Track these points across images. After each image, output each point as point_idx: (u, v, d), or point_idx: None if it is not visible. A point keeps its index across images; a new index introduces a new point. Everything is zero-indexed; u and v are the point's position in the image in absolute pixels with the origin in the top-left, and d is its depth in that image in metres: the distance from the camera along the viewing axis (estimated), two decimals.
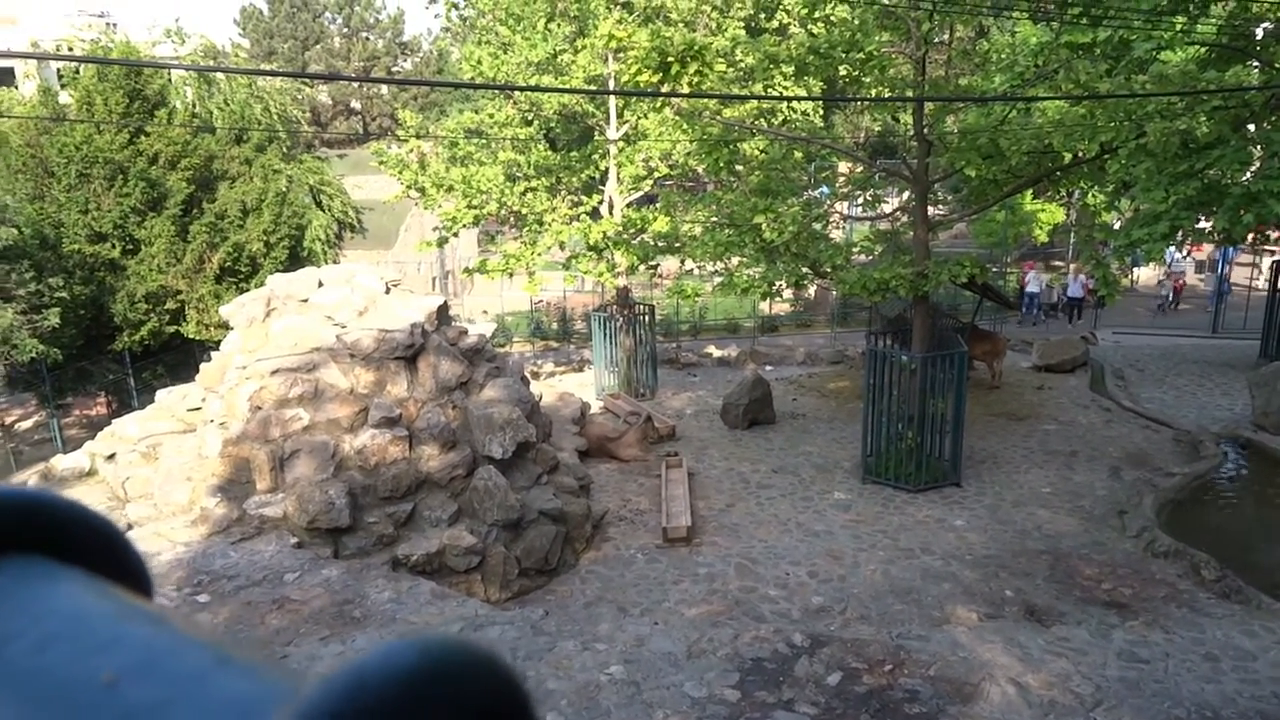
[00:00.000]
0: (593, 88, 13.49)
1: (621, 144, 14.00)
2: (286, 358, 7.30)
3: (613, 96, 13.93)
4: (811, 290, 23.64)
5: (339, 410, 7.14)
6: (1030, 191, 20.41)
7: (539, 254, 13.35)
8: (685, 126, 11.41)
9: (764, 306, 24.22)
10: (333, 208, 26.16)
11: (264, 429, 6.99)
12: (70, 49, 20.61)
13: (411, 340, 7.49)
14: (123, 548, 0.33)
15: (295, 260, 17.67)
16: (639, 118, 14.03)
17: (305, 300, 7.89)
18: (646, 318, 15.18)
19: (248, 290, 11.97)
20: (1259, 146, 7.88)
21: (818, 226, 9.98)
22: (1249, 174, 8.08)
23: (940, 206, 13.52)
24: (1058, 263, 26.60)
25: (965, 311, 19.39)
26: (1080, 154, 8.52)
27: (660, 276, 22.04)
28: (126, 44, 17.88)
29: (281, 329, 7.56)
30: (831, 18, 9.73)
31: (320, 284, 8.09)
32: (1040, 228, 24.10)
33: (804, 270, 9.15)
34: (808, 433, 12.08)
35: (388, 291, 8.26)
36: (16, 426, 14.21)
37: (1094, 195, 13.39)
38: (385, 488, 6.96)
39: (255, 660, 0.26)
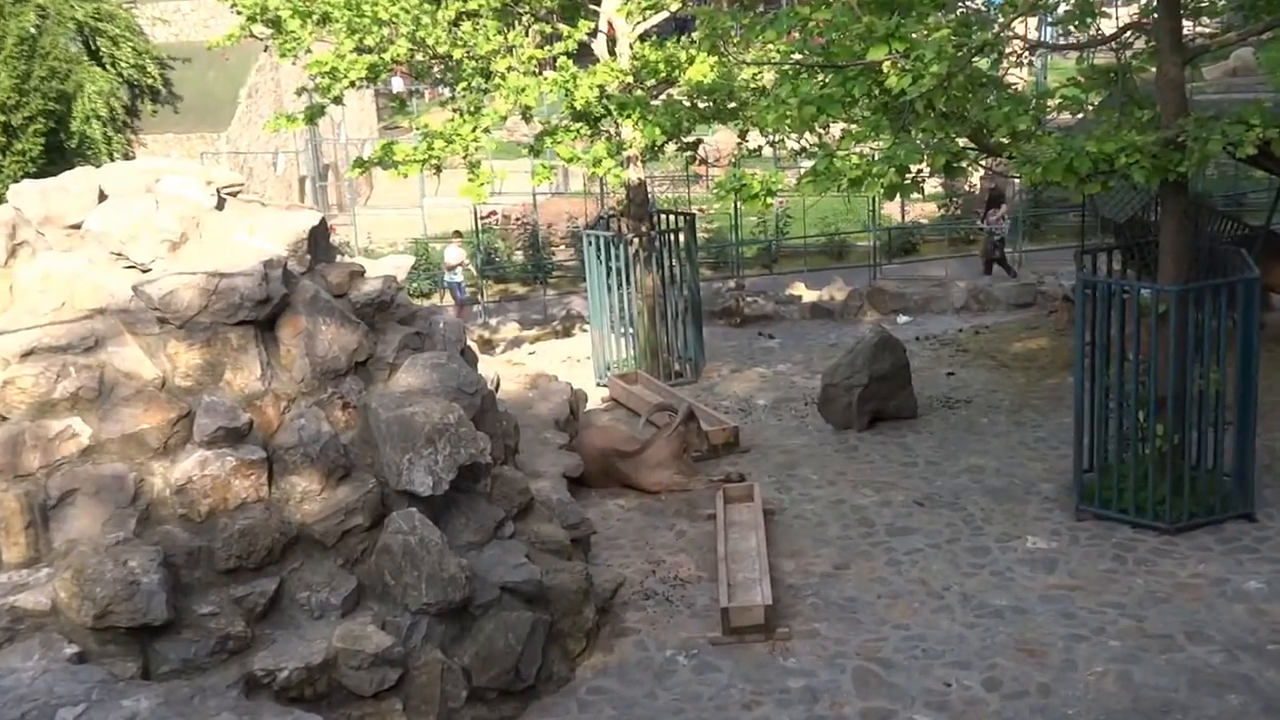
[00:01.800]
0: None
1: None
2: (48, 328, 7.27)
3: None
4: (975, 179, 23.60)
5: (142, 418, 7.10)
6: None
7: (485, 129, 13.32)
8: None
9: (891, 210, 24.43)
10: (121, 61, 26.11)
11: (12, 455, 7.00)
12: None
13: (266, 291, 7.48)
14: None
15: (57, 156, 17.75)
16: None
17: (77, 226, 7.86)
18: (682, 238, 15.36)
19: None
20: None
21: (983, 64, 9.90)
22: None
23: (1204, 22, 13.28)
24: None
25: (1255, 209, 19.14)
26: None
27: (704, 163, 22.00)
28: None
29: (38, 277, 7.55)
30: None
31: (103, 196, 8.06)
32: None
33: (960, 144, 9.07)
34: (975, 432, 12.18)
35: (221, 206, 8.23)
36: None
37: None
38: (229, 552, 6.98)
39: None
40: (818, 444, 12.12)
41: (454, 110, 13.92)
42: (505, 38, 13.53)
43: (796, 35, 10.23)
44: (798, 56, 10.13)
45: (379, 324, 8.30)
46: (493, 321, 20.61)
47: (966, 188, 25.37)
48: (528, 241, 25.24)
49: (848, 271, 22.01)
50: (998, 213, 21.16)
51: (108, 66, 25.53)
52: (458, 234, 22.39)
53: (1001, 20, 9.61)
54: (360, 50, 13.24)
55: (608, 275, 15.01)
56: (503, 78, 13.31)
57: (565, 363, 16.72)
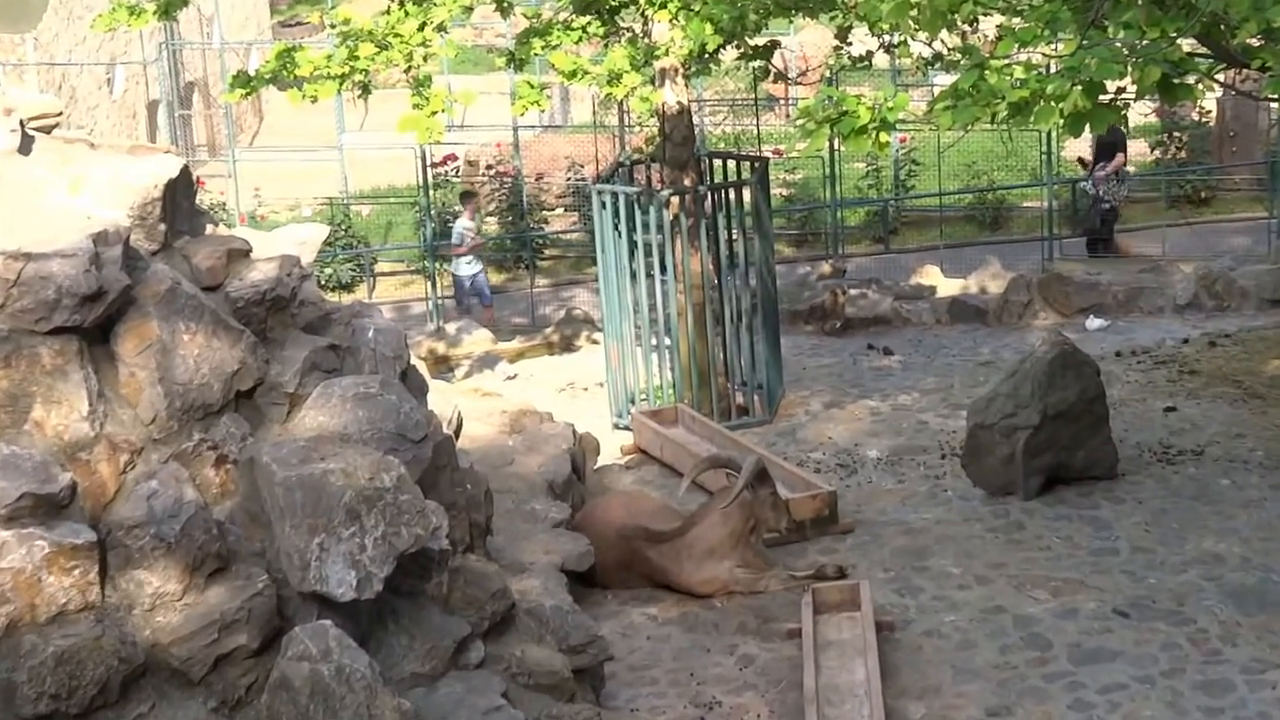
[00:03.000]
0: None
1: None
2: None
3: None
4: (1209, 105, 23.37)
5: None
6: None
7: (439, 26, 13.34)
8: None
9: (1075, 152, 24.37)
10: None
11: None
12: None
13: (96, 282, 7.47)
14: None
15: None
16: None
17: None
18: (748, 197, 15.45)
19: None
20: None
21: None
22: None
23: None
24: None
25: None
26: None
27: (783, 79, 21.91)
28: None
29: None
30: None
31: None
32: None
33: (1181, 50, 9.03)
34: (1210, 500, 12.12)
35: (26, 148, 8.25)
36: None
37: None
38: (39, 689, 6.90)
39: None
40: (961, 519, 12.01)
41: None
42: None
43: None
44: None
45: (274, 332, 8.28)
46: (450, 327, 20.60)
47: (1196, 116, 25.25)
48: (505, 203, 25.31)
49: (1008, 249, 21.90)
50: (1109, 167, 21.13)
51: None
52: (469, 195, 22.29)
53: None
54: None
55: (631, 255, 15.01)
56: None
57: (565, 392, 16.67)
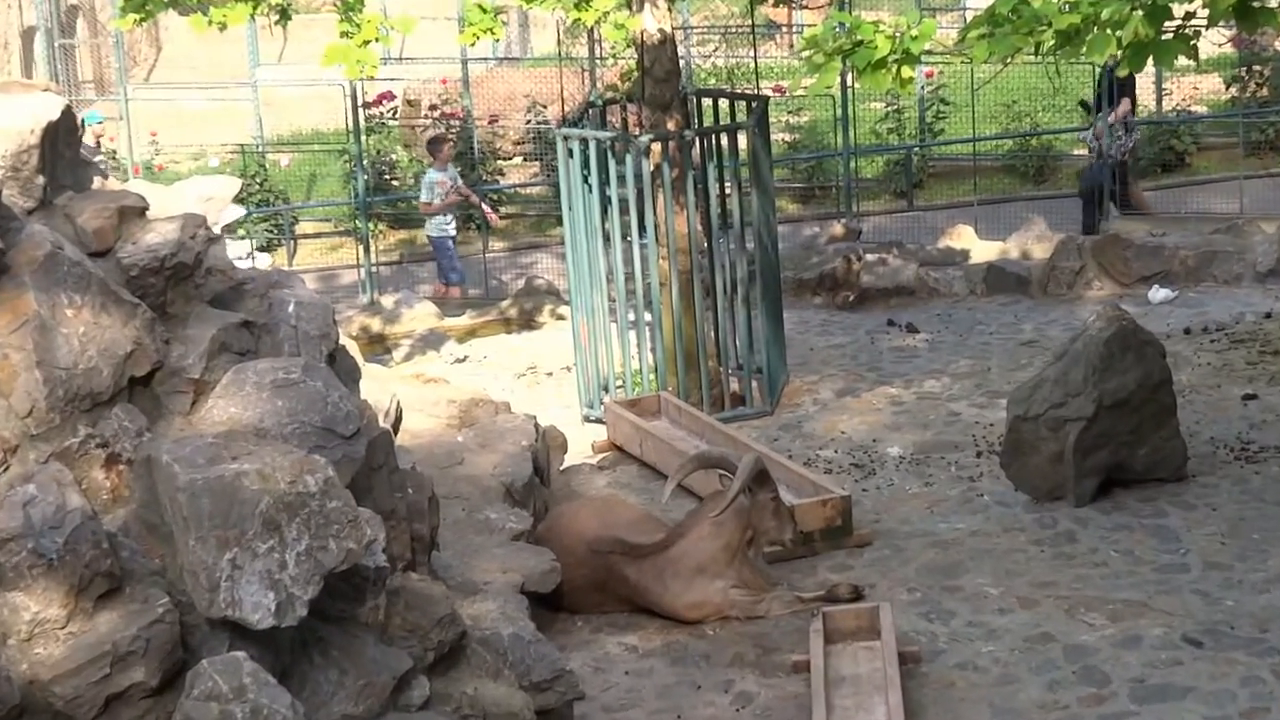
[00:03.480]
0: None
1: None
2: None
3: None
4: None
5: None
6: None
7: None
8: None
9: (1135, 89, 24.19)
10: None
11: None
12: None
13: None
14: None
15: None
16: None
17: None
18: (743, 143, 15.47)
19: None
20: None
21: None
22: None
23: None
24: None
25: None
26: None
27: (785, 1, 21.91)
28: None
29: None
30: None
31: None
32: None
33: None
34: None
35: None
36: None
37: None
38: None
39: None
40: (1000, 529, 12.05)
41: None
42: None
43: None
44: None
45: (175, 307, 8.27)
46: (387, 300, 20.58)
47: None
48: (453, 150, 25.27)
49: (1055, 206, 21.92)
50: (1114, 114, 21.13)
51: None
52: (439, 141, 22.15)
53: None
54: None
55: (604, 214, 15.02)
56: None
57: (525, 378, 16.69)
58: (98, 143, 22.99)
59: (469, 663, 8.49)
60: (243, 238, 21.78)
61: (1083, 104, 23.00)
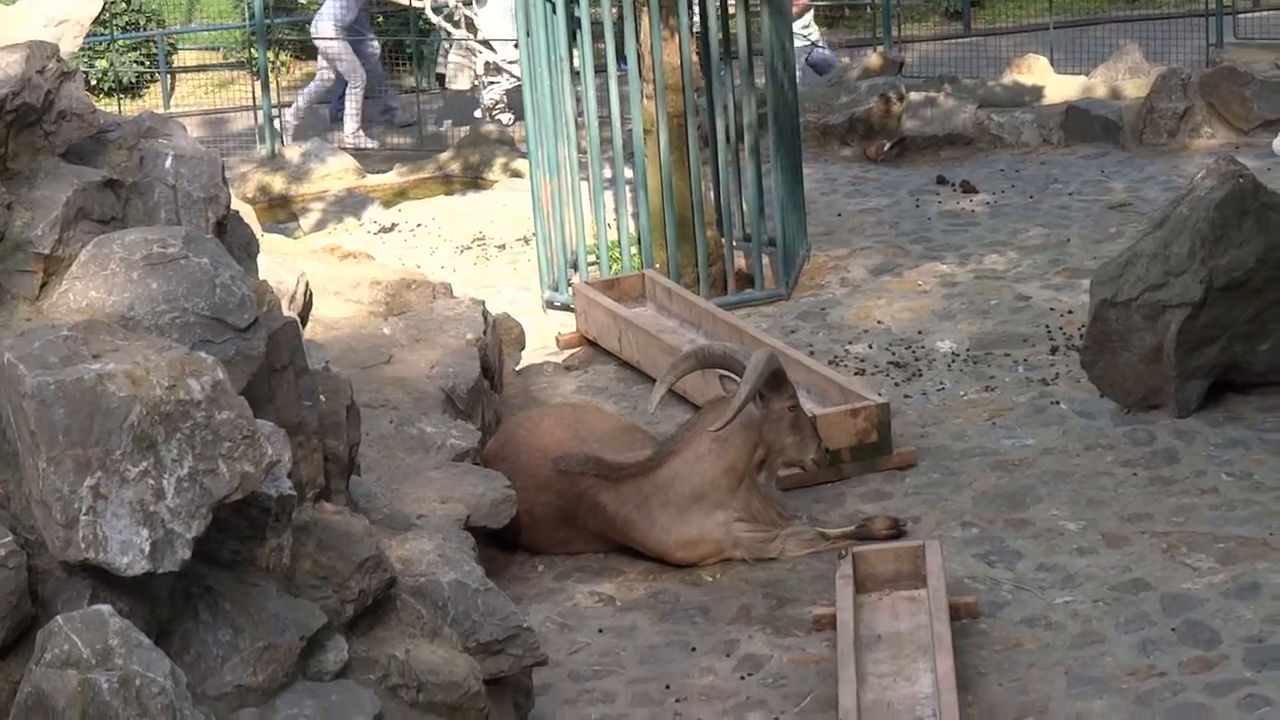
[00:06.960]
0: None
1: None
2: None
3: None
4: None
5: None
6: None
7: None
8: None
9: None
10: None
11: None
12: None
13: None
14: None
15: None
16: None
17: None
18: None
19: None
20: None
21: None
22: None
23: None
24: None
25: None
26: None
27: None
28: None
29: None
30: None
31: None
32: None
33: None
34: None
35: None
36: None
37: None
38: None
39: None
40: (1081, 447, 12.12)
41: None
42: None
43: None
44: None
45: (18, 161, 8.27)
46: (292, 151, 20.53)
47: None
48: None
49: (1153, 29, 21.91)
50: None
51: None
52: None
53: None
54: None
55: (572, 40, 15.01)
56: None
57: (470, 252, 16.71)
58: None
59: (399, 618, 8.51)
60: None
61: None
